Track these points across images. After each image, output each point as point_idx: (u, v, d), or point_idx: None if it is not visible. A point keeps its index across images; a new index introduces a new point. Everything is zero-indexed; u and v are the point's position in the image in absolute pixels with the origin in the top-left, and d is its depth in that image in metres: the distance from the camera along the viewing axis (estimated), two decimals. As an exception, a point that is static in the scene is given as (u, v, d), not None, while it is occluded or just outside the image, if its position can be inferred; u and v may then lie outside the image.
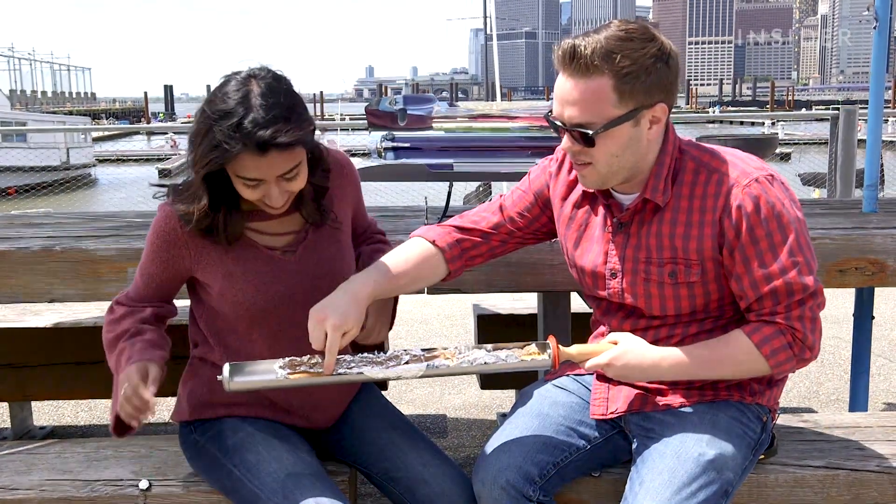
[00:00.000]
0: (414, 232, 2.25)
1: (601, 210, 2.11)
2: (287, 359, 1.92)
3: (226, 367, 1.88)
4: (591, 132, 1.87)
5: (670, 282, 2.00)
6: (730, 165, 1.96)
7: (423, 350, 1.96)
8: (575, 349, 2.00)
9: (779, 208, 1.91)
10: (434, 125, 2.93)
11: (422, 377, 1.93)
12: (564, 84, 1.88)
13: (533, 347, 1.97)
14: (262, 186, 1.94)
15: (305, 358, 1.92)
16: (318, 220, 2.15)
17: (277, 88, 1.91)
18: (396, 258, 2.12)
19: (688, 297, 2.01)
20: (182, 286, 2.20)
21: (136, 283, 2.17)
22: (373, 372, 1.90)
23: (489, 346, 1.96)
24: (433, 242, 2.18)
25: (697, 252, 1.96)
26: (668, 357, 1.97)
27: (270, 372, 1.89)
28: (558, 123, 1.92)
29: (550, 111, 1.96)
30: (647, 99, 1.87)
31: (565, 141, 1.94)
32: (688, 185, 1.98)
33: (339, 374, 1.89)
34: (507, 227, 2.24)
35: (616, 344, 1.99)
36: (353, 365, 1.91)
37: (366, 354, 1.95)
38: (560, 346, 1.96)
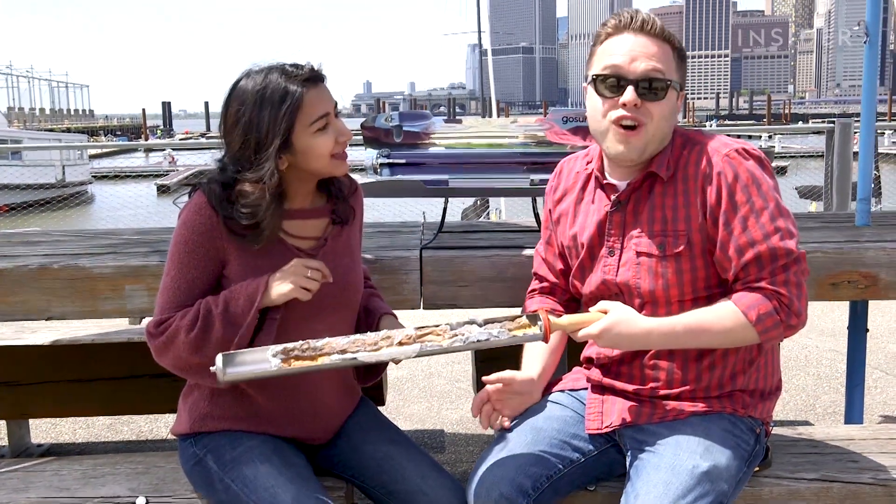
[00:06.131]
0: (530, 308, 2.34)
1: (598, 194, 2.19)
2: (280, 346, 1.90)
3: (219, 358, 1.86)
4: (668, 80, 2.03)
5: (658, 254, 2.06)
6: (713, 139, 2.08)
7: (415, 328, 1.95)
8: (566, 319, 2.01)
9: (758, 176, 2.00)
10: (430, 141, 2.95)
11: (417, 357, 1.93)
12: (636, 40, 2.03)
13: (524, 320, 1.97)
14: (330, 125, 2.10)
15: (298, 343, 1.90)
16: (345, 216, 2.26)
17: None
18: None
19: (675, 271, 2.05)
20: None
21: (174, 297, 2.10)
22: (367, 357, 1.90)
23: (480, 319, 1.96)
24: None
25: (685, 221, 2.04)
26: (659, 327, 2.00)
27: (264, 361, 1.87)
28: (628, 78, 2.01)
29: (601, 74, 2.05)
30: (683, 80, 2.10)
31: (630, 94, 2.01)
32: (675, 158, 2.08)
33: (334, 359, 1.89)
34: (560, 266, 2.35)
35: (606, 312, 2.00)
36: (345, 348, 1.90)
37: (357, 336, 1.94)
38: (550, 317, 1.97)
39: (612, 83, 2.04)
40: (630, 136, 2.04)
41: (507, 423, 2.17)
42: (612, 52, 2.04)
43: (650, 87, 2.01)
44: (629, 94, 2.01)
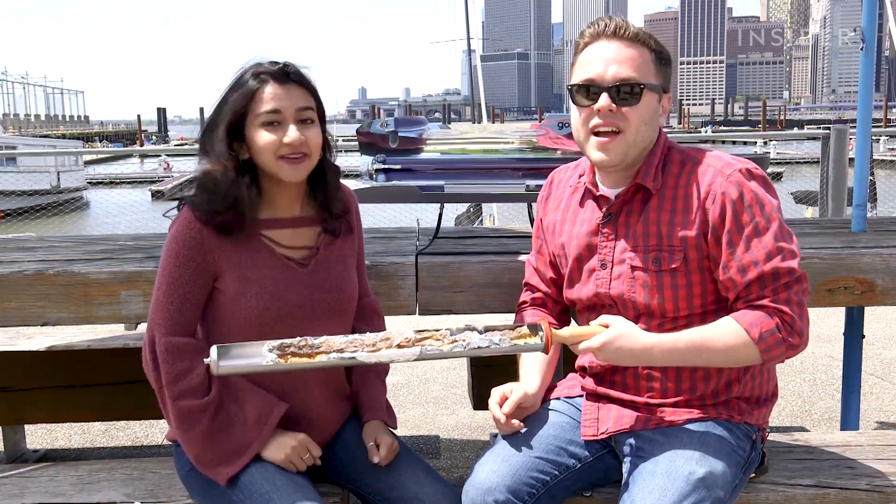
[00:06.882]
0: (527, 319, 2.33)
1: (590, 205, 2.19)
2: (277, 341, 1.89)
3: (213, 350, 1.84)
4: (641, 84, 2.02)
5: (654, 269, 2.05)
6: (714, 157, 2.07)
7: (415, 332, 1.93)
8: (567, 331, 2.01)
9: (761, 196, 2.00)
10: (426, 147, 2.95)
11: (416, 360, 1.91)
12: (609, 47, 2.04)
13: (525, 329, 1.96)
14: (282, 126, 2.09)
15: (296, 340, 1.89)
16: (335, 225, 2.25)
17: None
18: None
19: (671, 286, 2.05)
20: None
21: (167, 312, 2.10)
22: (366, 357, 1.88)
23: (480, 326, 1.94)
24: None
25: (682, 239, 2.03)
26: (660, 343, 1.98)
27: (259, 356, 1.86)
28: (601, 85, 2.02)
29: (577, 84, 2.06)
30: (666, 83, 2.10)
31: (604, 100, 2.02)
32: (674, 175, 2.08)
33: (332, 358, 1.87)
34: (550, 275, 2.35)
35: (607, 326, 1.99)
36: (343, 348, 1.89)
37: (356, 336, 1.93)
38: (552, 328, 1.96)
39: (587, 92, 2.05)
40: (608, 143, 2.05)
41: (514, 426, 2.16)
42: (587, 61, 2.06)
43: (625, 92, 2.02)
44: (603, 100, 2.02)
